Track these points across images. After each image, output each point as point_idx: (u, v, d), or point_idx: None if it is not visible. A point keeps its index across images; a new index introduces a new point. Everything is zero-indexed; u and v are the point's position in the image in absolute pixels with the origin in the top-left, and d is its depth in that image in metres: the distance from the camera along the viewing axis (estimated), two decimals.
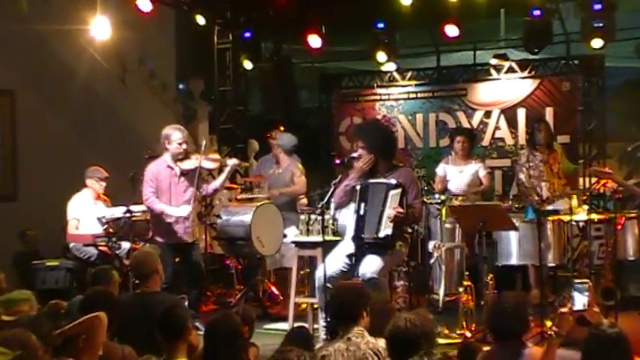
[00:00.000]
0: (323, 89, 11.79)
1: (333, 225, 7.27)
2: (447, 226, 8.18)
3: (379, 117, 10.98)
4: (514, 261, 7.81)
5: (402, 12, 10.03)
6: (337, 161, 8.96)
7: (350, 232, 6.70)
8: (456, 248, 8.11)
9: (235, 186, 9.63)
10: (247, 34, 11.47)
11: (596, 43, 9.77)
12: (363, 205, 6.58)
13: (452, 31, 10.11)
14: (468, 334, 7.01)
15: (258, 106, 13.35)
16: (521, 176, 8.42)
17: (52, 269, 8.47)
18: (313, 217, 7.29)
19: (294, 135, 9.04)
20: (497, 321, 4.25)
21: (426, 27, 11.51)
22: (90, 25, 9.25)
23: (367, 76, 11.55)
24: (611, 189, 8.26)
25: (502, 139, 10.63)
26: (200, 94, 12.74)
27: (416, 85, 11.13)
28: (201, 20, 10.78)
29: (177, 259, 7.84)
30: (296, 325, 6.33)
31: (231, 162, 8.03)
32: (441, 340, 6.34)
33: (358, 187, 6.64)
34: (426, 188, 8.85)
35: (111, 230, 8.20)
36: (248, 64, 11.49)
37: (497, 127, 10.63)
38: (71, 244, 8.58)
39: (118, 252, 8.14)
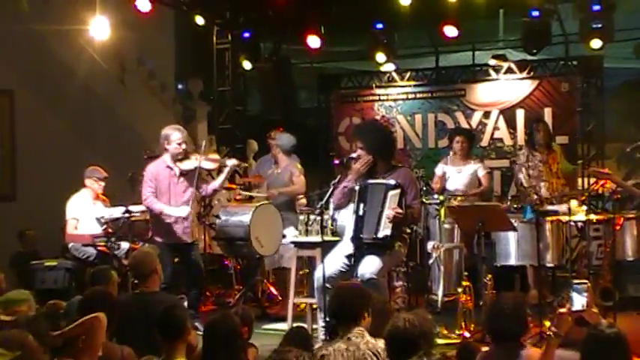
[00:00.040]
0: (322, 89, 11.80)
1: (332, 225, 7.27)
2: (446, 226, 8.18)
3: (378, 117, 10.98)
4: (513, 261, 7.81)
5: (401, 12, 10.03)
6: (336, 161, 8.98)
7: (349, 232, 6.70)
8: (454, 249, 8.11)
9: (234, 186, 9.63)
10: (246, 35, 11.47)
11: (595, 43, 9.78)
12: (362, 205, 6.57)
13: (451, 31, 10.11)
14: (467, 335, 7.02)
15: (257, 106, 13.36)
16: (520, 176, 8.42)
17: (51, 269, 8.46)
18: (312, 217, 7.29)
19: (293, 135, 9.04)
20: (496, 322, 4.25)
21: (425, 27, 11.52)
22: (89, 25, 9.26)
23: (366, 76, 11.56)
24: (610, 189, 8.27)
25: (501, 140, 10.64)
26: (199, 95, 12.74)
27: (415, 85, 11.14)
28: (200, 20, 10.78)
29: (176, 259, 7.85)
30: (295, 325, 6.33)
31: (231, 162, 8.03)
32: (439, 341, 6.37)
33: (357, 188, 6.64)
34: (424, 189, 8.85)
35: (110, 230, 8.20)
36: (247, 65, 11.49)
37: (496, 128, 10.64)
38: (70, 244, 8.58)
39: (117, 252, 8.14)
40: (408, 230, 6.95)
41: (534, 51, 10.30)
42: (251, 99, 12.90)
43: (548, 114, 10.25)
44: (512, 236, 7.63)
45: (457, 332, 7.11)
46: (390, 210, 6.42)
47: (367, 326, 4.32)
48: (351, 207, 6.70)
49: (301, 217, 7.54)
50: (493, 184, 9.86)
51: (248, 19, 11.56)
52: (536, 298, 7.59)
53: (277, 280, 9.25)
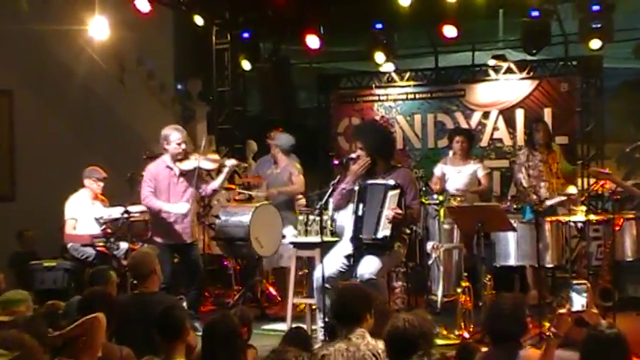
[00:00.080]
0: (321, 90, 11.78)
1: (332, 226, 7.27)
2: (446, 226, 8.18)
3: (377, 117, 10.97)
4: (512, 262, 7.80)
5: (401, 12, 10.01)
6: (335, 162, 8.98)
7: (348, 232, 6.70)
8: (454, 249, 8.11)
9: (234, 186, 9.63)
10: (246, 35, 11.46)
11: (595, 44, 9.77)
12: (361, 205, 6.57)
13: (450, 31, 10.10)
14: (466, 335, 7.01)
15: (257, 106, 13.36)
16: (520, 176, 8.42)
17: (50, 270, 8.47)
18: (312, 217, 7.28)
19: (292, 135, 9.03)
20: (495, 323, 4.25)
21: (425, 28, 11.50)
22: (88, 25, 9.26)
23: (365, 76, 11.55)
24: (610, 190, 8.26)
25: (500, 140, 10.64)
26: (198, 95, 12.74)
27: (414, 85, 11.13)
28: (199, 20, 10.77)
29: (176, 260, 7.84)
30: (294, 325, 6.32)
31: (230, 162, 8.03)
32: (439, 341, 6.38)
33: (356, 188, 6.64)
34: (424, 189, 8.85)
35: (109, 230, 8.20)
36: (246, 65, 11.48)
37: (495, 128, 10.63)
38: (69, 245, 8.57)
39: (116, 252, 8.14)
40: (408, 231, 6.95)
41: (534, 51, 10.29)
42: (250, 99, 12.89)
43: (547, 114, 10.24)
44: (511, 237, 7.63)
45: (456, 333, 7.11)
46: (389, 210, 6.42)
47: (369, 328, 4.31)
48: (351, 207, 6.70)
49: (300, 218, 7.54)
50: (493, 185, 9.85)
51: (247, 19, 11.55)
52: (535, 299, 7.58)
53: (276, 281, 9.25)
